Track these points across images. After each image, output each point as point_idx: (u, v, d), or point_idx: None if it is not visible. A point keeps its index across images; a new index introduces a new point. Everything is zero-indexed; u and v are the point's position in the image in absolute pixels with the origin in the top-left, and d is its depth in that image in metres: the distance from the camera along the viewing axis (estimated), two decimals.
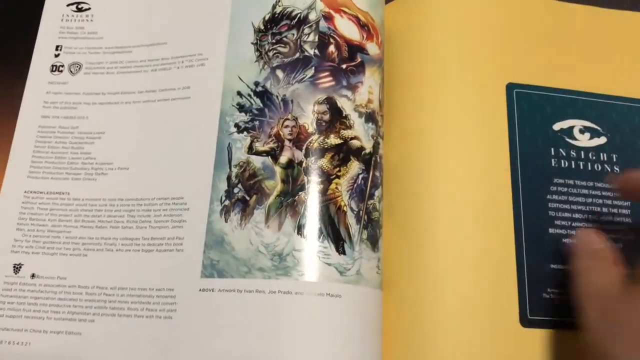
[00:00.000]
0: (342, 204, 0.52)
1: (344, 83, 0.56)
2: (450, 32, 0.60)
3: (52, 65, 0.65)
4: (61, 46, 0.65)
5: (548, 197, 0.55)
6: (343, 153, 0.54)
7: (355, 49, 0.57)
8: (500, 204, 0.55)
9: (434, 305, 0.51)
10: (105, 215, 0.58)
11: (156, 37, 0.63)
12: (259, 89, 0.57)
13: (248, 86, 0.58)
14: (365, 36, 0.58)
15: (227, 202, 0.55)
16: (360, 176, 0.54)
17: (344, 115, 0.55)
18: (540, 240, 0.54)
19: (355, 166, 0.54)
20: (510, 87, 0.58)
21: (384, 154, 0.57)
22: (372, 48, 0.58)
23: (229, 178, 0.55)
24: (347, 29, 0.58)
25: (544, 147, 0.57)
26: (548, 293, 0.53)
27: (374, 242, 0.53)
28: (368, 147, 0.55)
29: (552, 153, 0.57)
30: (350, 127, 0.55)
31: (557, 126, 0.57)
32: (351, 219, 0.52)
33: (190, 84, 0.60)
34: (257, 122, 0.56)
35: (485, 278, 0.52)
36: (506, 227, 0.54)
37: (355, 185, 0.53)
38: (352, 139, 0.55)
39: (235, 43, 0.60)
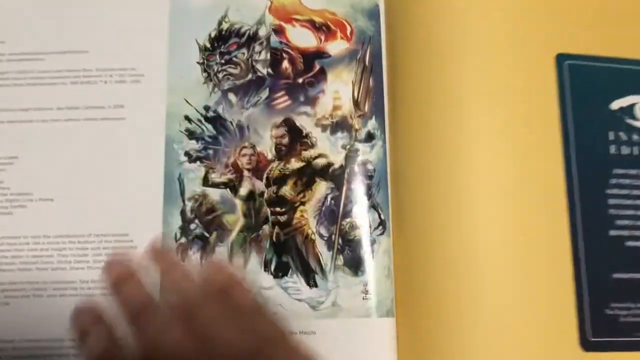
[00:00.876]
0: (309, 232, 0.51)
1: (302, 99, 0.54)
2: None
3: None
4: None
5: (607, 191, 0.47)
6: (306, 176, 0.52)
7: (311, 57, 0.55)
8: (551, 204, 0.46)
9: (472, 331, 0.44)
10: (29, 255, 0.50)
11: (72, 43, 0.55)
12: (211, 114, 0.53)
13: (197, 110, 0.53)
14: (323, 38, 0.55)
15: (183, 240, 0.51)
16: (330, 197, 0.52)
17: (304, 134, 0.53)
18: (600, 244, 0.45)
19: (321, 187, 0.52)
20: (561, 59, 0.49)
21: (392, 156, 0.52)
22: (335, 47, 0.55)
23: (183, 213, 0.51)
24: (301, 38, 0.55)
25: (600, 130, 0.48)
26: (612, 308, 0.45)
27: (354, 265, 0.50)
28: (338, 161, 0.52)
29: (611, 138, 0.48)
30: (312, 146, 0.53)
31: (615, 104, 0.48)
32: (321, 247, 0.51)
33: (123, 102, 0.53)
34: (211, 151, 0.52)
35: (535, 294, 0.44)
36: (560, 230, 0.45)
37: (323, 208, 0.52)
38: (315, 158, 0.53)
39: (178, 61, 0.54)
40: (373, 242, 0.50)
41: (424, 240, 0.49)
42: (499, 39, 0.50)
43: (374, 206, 0.51)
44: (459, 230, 0.47)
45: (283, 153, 0.52)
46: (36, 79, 0.54)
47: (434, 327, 0.46)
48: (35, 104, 0.53)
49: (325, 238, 0.51)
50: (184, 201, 0.51)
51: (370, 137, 0.52)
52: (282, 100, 0.54)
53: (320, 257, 0.50)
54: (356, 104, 0.53)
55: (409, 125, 0.52)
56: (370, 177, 0.52)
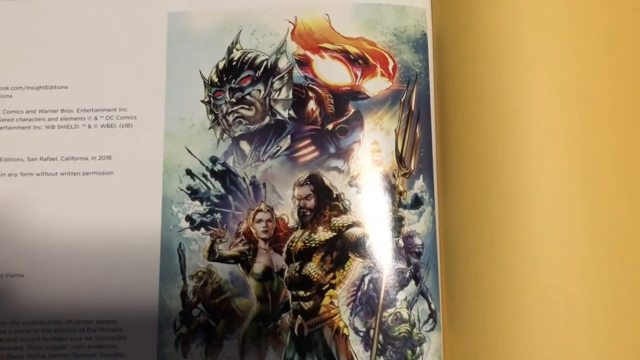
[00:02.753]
0: (341, 325, 0.41)
1: (332, 150, 0.43)
2: None
3: None
4: None
5: None
6: (337, 251, 0.42)
7: (344, 98, 0.44)
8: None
9: None
10: None
11: (47, 76, 0.44)
12: (218, 167, 0.43)
13: (202, 163, 0.43)
14: (359, 74, 0.44)
15: (184, 329, 0.41)
16: (367, 279, 0.41)
17: (334, 196, 0.43)
18: None
19: (356, 266, 0.42)
20: None
21: (443, 228, 0.42)
22: (373, 85, 0.44)
23: (183, 294, 0.41)
24: (332, 73, 0.44)
25: None
26: None
27: None
28: (377, 232, 0.42)
29: None
30: (344, 211, 0.42)
31: None
32: (356, 345, 0.41)
33: (111, 152, 0.43)
34: (218, 215, 0.42)
35: (617, 323, 0.38)
36: None
37: (359, 293, 0.41)
38: (348, 227, 0.42)
39: (178, 99, 0.44)
40: (422, 339, 0.40)
41: (482, 338, 0.38)
42: (566, 75, 0.40)
43: (422, 293, 0.41)
44: (525, 325, 0.38)
45: (308, 219, 0.42)
46: (1, 120, 0.44)
47: None
48: (1, 153, 0.43)
49: (362, 334, 0.41)
50: (184, 279, 0.41)
51: (417, 203, 0.42)
52: (308, 152, 0.43)
53: (355, 359, 0.40)
54: (400, 159, 0.42)
55: (463, 187, 0.41)
56: (418, 255, 0.41)
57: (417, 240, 0.41)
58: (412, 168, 0.42)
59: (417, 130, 0.43)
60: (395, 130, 0.43)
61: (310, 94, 0.44)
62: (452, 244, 0.41)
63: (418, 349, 0.40)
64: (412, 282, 0.41)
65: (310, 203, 0.42)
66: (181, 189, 0.42)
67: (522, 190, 0.39)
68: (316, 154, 0.43)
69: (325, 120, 0.43)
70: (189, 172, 0.43)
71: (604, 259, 0.38)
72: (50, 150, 0.43)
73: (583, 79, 0.40)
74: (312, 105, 0.44)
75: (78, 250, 0.42)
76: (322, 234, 0.42)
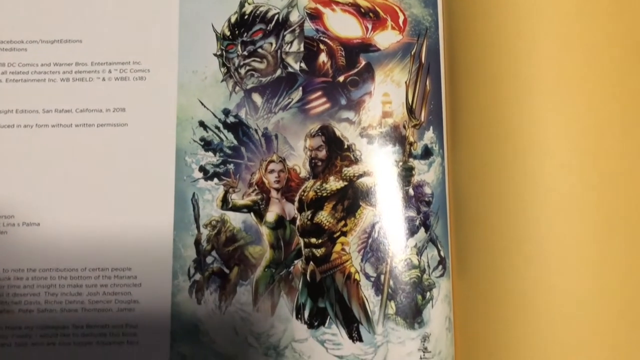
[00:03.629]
0: (353, 270, 0.42)
1: (343, 102, 0.44)
2: None
3: None
4: None
5: None
6: (348, 200, 0.43)
7: (355, 50, 0.44)
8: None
9: None
10: (10, 293, 0.41)
11: (62, 30, 0.45)
12: (231, 119, 0.43)
13: (214, 115, 0.43)
14: (370, 27, 0.44)
15: (198, 277, 0.41)
16: (378, 226, 0.42)
17: (345, 146, 0.43)
18: None
19: (367, 214, 0.42)
20: None
21: (452, 177, 0.42)
22: (384, 38, 0.44)
23: (197, 243, 0.42)
24: (343, 27, 0.45)
25: None
26: None
27: (410, 314, 0.41)
28: (387, 181, 0.43)
29: None
30: (355, 161, 0.43)
31: None
32: (367, 290, 0.41)
33: (125, 104, 0.44)
34: (231, 166, 0.43)
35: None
36: None
37: (369, 240, 0.42)
38: (359, 176, 0.43)
39: (191, 53, 0.44)
40: (432, 285, 0.41)
41: (490, 285, 0.39)
42: (575, 26, 0.40)
43: (432, 240, 0.41)
44: (534, 271, 0.38)
45: (319, 169, 0.43)
46: (17, 73, 0.44)
47: None
48: (17, 105, 0.44)
49: (373, 279, 0.41)
50: (198, 228, 0.42)
51: (427, 153, 0.42)
52: (319, 104, 0.44)
53: (366, 303, 0.41)
54: (411, 111, 0.43)
55: (472, 139, 0.42)
56: (427, 204, 0.42)
57: (427, 190, 0.42)
58: (422, 119, 0.43)
59: (427, 82, 0.43)
60: (405, 82, 0.43)
61: (322, 46, 0.44)
62: (461, 193, 0.42)
63: (428, 294, 0.41)
64: (422, 230, 0.42)
65: (322, 154, 0.43)
66: (194, 141, 0.43)
67: (530, 140, 0.39)
68: (327, 105, 0.44)
69: (337, 73, 0.44)
70: (202, 124, 0.43)
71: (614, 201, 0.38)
72: (65, 103, 0.44)
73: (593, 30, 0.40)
74: (323, 57, 0.44)
75: (93, 200, 0.42)
76: (334, 183, 0.43)
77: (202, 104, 0.43)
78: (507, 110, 0.40)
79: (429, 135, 0.43)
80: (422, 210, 0.42)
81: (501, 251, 0.39)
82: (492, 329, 0.39)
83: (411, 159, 0.42)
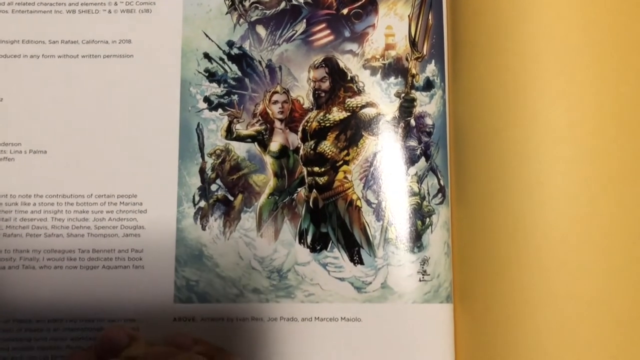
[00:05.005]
0: (354, 197, 0.43)
1: (347, 34, 0.44)
2: None
3: None
4: None
5: None
6: (351, 130, 0.43)
7: None
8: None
9: (541, 323, 0.37)
10: (17, 218, 0.42)
11: None
12: (235, 51, 0.44)
13: (219, 46, 0.44)
14: None
15: (202, 204, 0.42)
16: (379, 155, 0.43)
17: (348, 78, 0.44)
18: None
19: (369, 144, 0.43)
20: None
21: (453, 109, 0.43)
22: None
23: (202, 171, 0.43)
24: None
25: None
26: None
27: (410, 238, 0.42)
28: (389, 112, 0.43)
29: None
30: (358, 92, 0.44)
31: None
32: (368, 216, 0.42)
33: (131, 36, 0.44)
34: (235, 97, 0.44)
35: (618, 283, 0.37)
36: None
37: (371, 169, 0.43)
38: (362, 107, 0.43)
39: None
40: (431, 211, 0.42)
41: (487, 213, 0.40)
42: None
43: (432, 169, 0.42)
44: (529, 201, 0.39)
45: (323, 100, 0.43)
46: (23, 4, 0.44)
47: (497, 317, 0.38)
48: (23, 36, 0.44)
49: (374, 205, 0.42)
50: (203, 157, 0.43)
51: (429, 85, 0.43)
52: (323, 35, 0.44)
53: (368, 228, 0.42)
54: (413, 43, 0.44)
55: (472, 73, 0.42)
56: (428, 134, 0.43)
57: (428, 121, 0.43)
58: (425, 53, 0.44)
59: (430, 17, 0.44)
60: (408, 15, 0.44)
61: None
62: (461, 125, 0.42)
63: (427, 219, 0.42)
64: (423, 159, 0.42)
65: (325, 85, 0.44)
66: (199, 72, 0.44)
67: (528, 73, 0.40)
68: (331, 37, 0.44)
69: (340, 5, 0.44)
70: (206, 56, 0.44)
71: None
72: (72, 34, 0.44)
73: None
74: None
75: (99, 128, 0.43)
76: (337, 114, 0.43)
77: (207, 35, 0.44)
78: (507, 44, 0.41)
79: (431, 68, 0.43)
80: (423, 140, 0.42)
81: (499, 181, 0.40)
82: (488, 254, 0.40)
83: (413, 91, 0.43)
